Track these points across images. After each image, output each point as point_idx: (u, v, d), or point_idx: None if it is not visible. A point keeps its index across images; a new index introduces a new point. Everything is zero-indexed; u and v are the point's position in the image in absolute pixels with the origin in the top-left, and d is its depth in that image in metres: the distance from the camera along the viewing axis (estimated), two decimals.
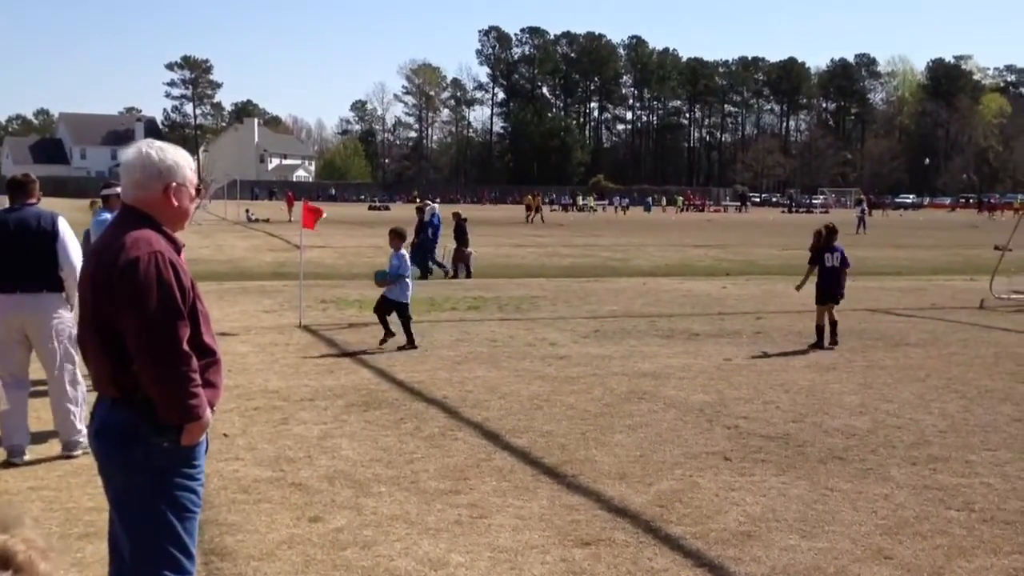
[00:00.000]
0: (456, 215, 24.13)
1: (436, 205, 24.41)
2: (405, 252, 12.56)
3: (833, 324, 12.43)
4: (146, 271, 3.37)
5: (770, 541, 5.45)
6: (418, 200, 27.29)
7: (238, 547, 5.25)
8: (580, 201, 79.63)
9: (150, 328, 3.34)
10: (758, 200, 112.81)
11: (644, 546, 5.36)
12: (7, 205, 7.04)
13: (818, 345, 12.27)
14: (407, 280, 12.12)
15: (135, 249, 3.40)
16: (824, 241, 12.66)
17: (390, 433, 7.76)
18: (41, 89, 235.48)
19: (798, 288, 13.07)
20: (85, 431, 6.69)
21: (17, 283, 6.75)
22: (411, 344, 11.84)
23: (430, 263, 22.22)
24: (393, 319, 11.97)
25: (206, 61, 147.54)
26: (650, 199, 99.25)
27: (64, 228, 6.95)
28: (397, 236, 12.56)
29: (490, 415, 8.41)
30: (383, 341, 11.89)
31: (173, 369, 3.36)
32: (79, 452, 6.81)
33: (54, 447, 7.08)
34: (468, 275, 22.30)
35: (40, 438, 7.21)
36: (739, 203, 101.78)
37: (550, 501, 6.12)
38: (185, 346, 3.40)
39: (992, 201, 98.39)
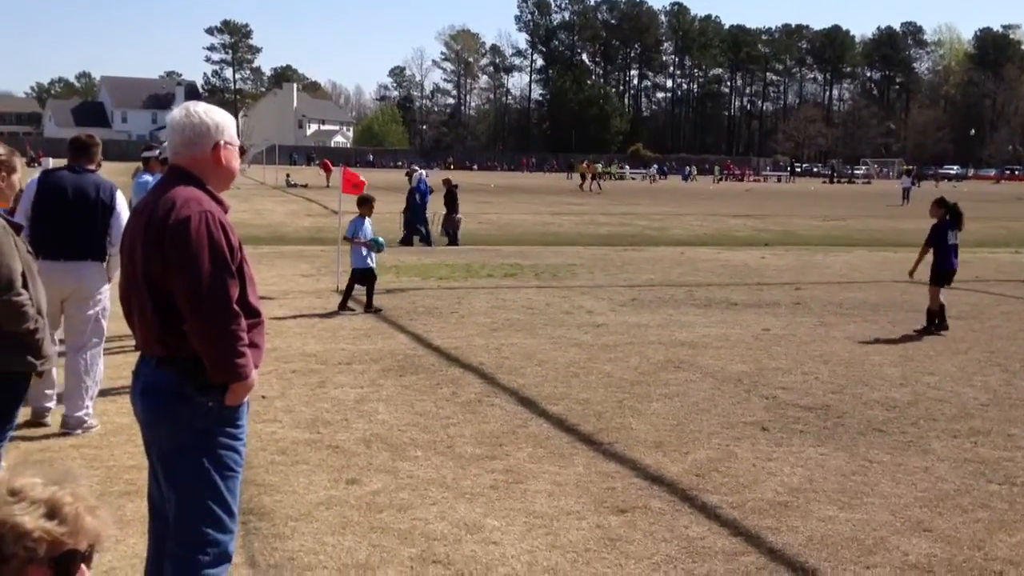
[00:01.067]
0: (447, 181, 23.57)
1: (423, 171, 24.26)
2: (367, 221, 12.35)
3: (942, 308, 11.44)
4: (197, 230, 3.37)
5: (807, 511, 5.42)
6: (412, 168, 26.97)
7: (276, 507, 5.30)
8: (601, 169, 78.10)
9: (202, 287, 3.35)
10: (799, 170, 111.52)
11: (680, 514, 5.35)
12: (64, 164, 6.87)
13: (927, 331, 11.27)
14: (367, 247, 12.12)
15: (186, 208, 3.41)
16: (949, 217, 11.58)
17: (426, 398, 7.79)
18: (83, 52, 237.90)
19: (911, 273, 11.86)
20: (91, 410, 6.75)
21: (65, 251, 6.54)
22: (365, 307, 11.97)
23: (418, 227, 22.12)
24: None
25: (246, 26, 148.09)
26: (687, 168, 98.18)
27: (121, 202, 6.80)
28: (364, 203, 12.50)
29: (526, 382, 8.41)
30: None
31: (223, 328, 3.38)
32: (79, 432, 6.60)
33: (97, 405, 7.15)
34: (454, 242, 22.11)
35: None
36: (789, 172, 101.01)
37: (586, 468, 6.12)
38: (235, 306, 3.41)
39: None
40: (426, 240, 22.09)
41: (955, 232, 11.62)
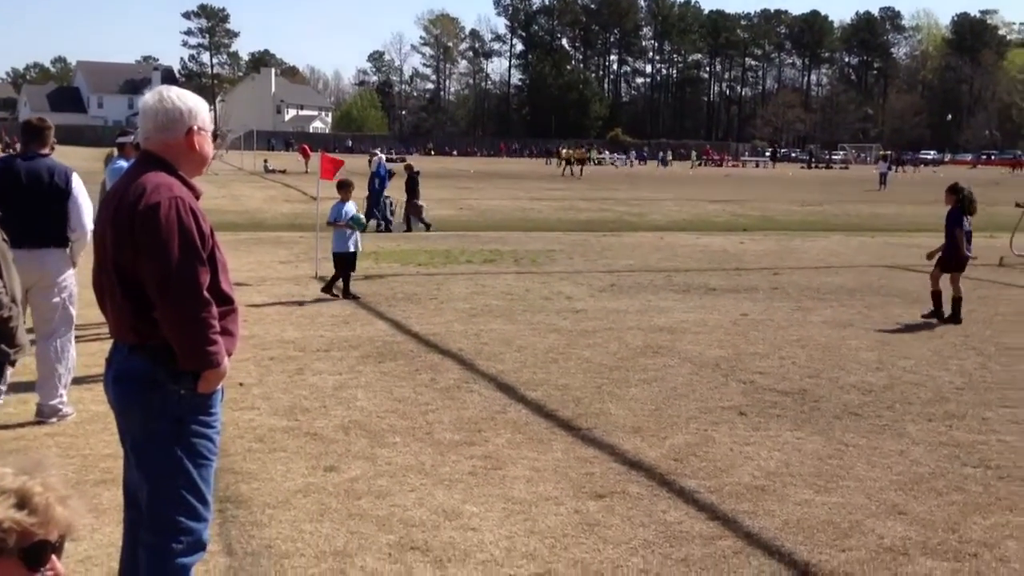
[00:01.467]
0: (408, 167, 23.29)
1: (383, 156, 24.08)
2: (348, 204, 12.28)
3: (958, 300, 11.17)
4: (167, 216, 3.35)
5: (784, 495, 5.45)
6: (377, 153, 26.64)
7: (253, 495, 5.29)
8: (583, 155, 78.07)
9: (171, 273, 3.32)
10: (779, 155, 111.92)
11: (658, 499, 5.37)
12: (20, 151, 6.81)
13: (937, 315, 11.12)
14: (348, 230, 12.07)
15: (156, 194, 3.38)
16: (961, 203, 11.35)
17: (405, 384, 7.78)
18: (58, 37, 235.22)
19: (930, 256, 11.66)
20: (65, 398, 6.69)
21: (25, 239, 6.32)
22: (343, 293, 11.95)
23: (375, 212, 21.98)
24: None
25: (223, 10, 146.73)
26: (661, 154, 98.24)
27: (78, 185, 6.67)
28: (343, 188, 12.45)
29: (505, 368, 8.42)
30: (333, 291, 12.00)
31: (194, 315, 3.35)
32: (54, 420, 6.54)
33: (72, 394, 7.10)
34: (427, 227, 21.97)
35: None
36: (771, 158, 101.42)
37: (564, 453, 6.13)
38: (206, 293, 3.39)
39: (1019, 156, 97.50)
40: (385, 226, 21.93)
41: (968, 218, 11.43)
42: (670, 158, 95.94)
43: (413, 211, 22.37)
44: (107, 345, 3.66)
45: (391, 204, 22.53)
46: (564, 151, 68.31)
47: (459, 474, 5.69)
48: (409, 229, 21.92)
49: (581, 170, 60.66)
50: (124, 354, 3.49)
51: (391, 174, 23.09)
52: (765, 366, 8.69)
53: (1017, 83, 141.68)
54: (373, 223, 20.40)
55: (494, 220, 25.07)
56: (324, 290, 11.99)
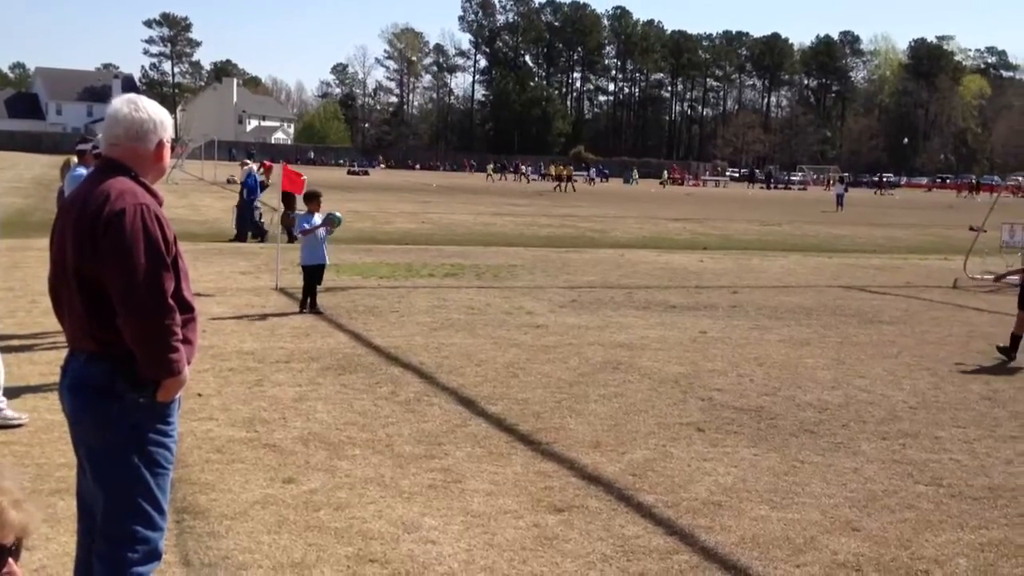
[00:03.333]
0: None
1: (254, 166, 23.71)
2: (316, 216, 12.07)
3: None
4: (132, 223, 3.34)
5: (740, 511, 5.50)
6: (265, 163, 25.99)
7: (211, 506, 5.24)
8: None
9: (136, 280, 3.31)
10: (737, 175, 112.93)
11: (616, 513, 5.40)
12: None
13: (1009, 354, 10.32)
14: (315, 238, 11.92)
15: (121, 201, 3.37)
16: None
17: (365, 397, 7.76)
18: (17, 43, 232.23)
19: (997, 279, 11.06)
20: (4, 404, 6.62)
21: None
22: (309, 307, 11.78)
23: (250, 221, 21.67)
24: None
25: (185, 19, 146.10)
26: (627, 173, 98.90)
27: None
28: (311, 199, 12.24)
29: (466, 381, 8.42)
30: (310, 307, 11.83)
31: (158, 322, 3.34)
32: None
33: (27, 402, 7.02)
34: (290, 239, 21.67)
35: (12, 393, 7.14)
36: (752, 178, 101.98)
37: (524, 467, 6.14)
38: (170, 300, 3.38)
39: (973, 181, 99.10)
40: (259, 234, 21.44)
41: None
42: (635, 176, 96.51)
43: (287, 221, 21.94)
44: (63, 354, 3.63)
45: (260, 214, 22.22)
46: (555, 169, 71.24)
47: (418, 487, 5.69)
48: (291, 240, 21.49)
49: (573, 186, 63.06)
50: (81, 362, 3.46)
51: (263, 185, 22.52)
52: (723, 383, 8.77)
53: (972, 108, 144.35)
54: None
55: (456, 234, 25.07)
56: (302, 307, 11.78)
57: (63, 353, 3.65)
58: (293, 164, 25.95)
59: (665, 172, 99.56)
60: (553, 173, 70.88)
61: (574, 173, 73.52)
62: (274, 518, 5.11)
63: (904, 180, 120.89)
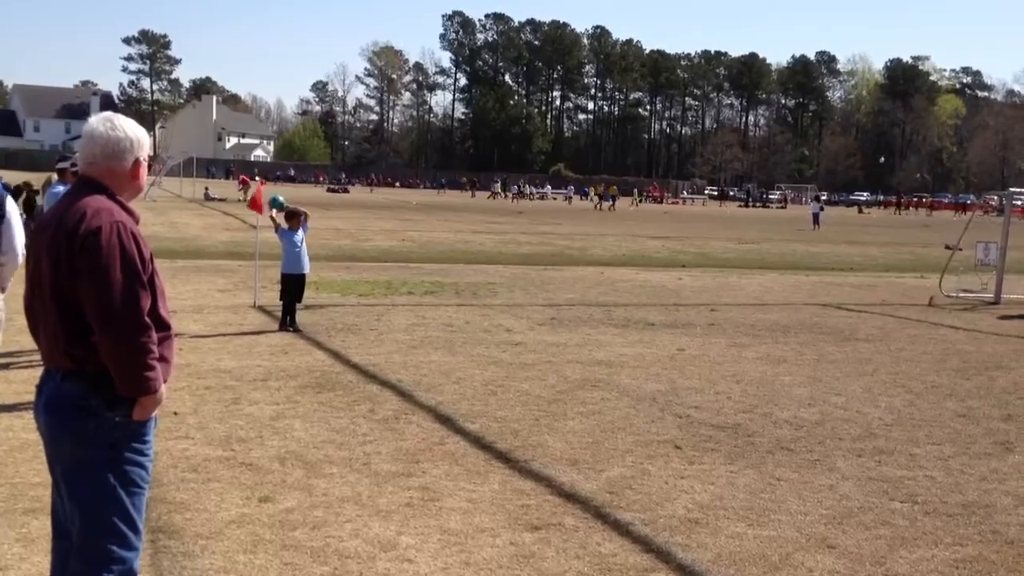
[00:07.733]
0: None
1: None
2: (298, 233, 12.06)
3: None
4: (109, 240, 3.34)
5: (717, 528, 5.52)
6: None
7: (186, 525, 5.22)
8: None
9: (112, 298, 3.31)
10: (716, 193, 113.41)
11: (593, 531, 5.41)
12: None
13: None
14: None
15: (97, 218, 3.37)
16: None
17: (343, 415, 7.75)
18: None
19: None
20: None
21: None
22: (289, 324, 11.74)
23: None
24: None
25: (164, 36, 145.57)
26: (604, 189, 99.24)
27: (12, 209, 6.61)
28: (292, 217, 12.17)
29: (444, 399, 8.42)
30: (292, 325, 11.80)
31: (134, 340, 3.34)
32: None
33: (2, 421, 6.97)
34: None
35: None
36: (740, 197, 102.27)
37: (501, 485, 6.15)
38: (146, 318, 3.38)
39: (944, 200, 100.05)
40: None
41: None
42: (618, 195, 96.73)
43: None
44: (39, 372, 3.62)
45: None
46: (595, 188, 77.39)
47: (395, 505, 5.68)
48: None
49: (613, 205, 63.87)
50: (57, 380, 3.45)
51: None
52: (701, 401, 8.80)
53: (947, 128, 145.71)
54: None
55: (435, 252, 25.09)
56: (283, 327, 11.70)
57: (39, 372, 3.63)
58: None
59: (635, 190, 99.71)
60: (593, 191, 73.26)
61: (605, 192, 73.31)
62: (250, 538, 5.09)
63: (882, 198, 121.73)
